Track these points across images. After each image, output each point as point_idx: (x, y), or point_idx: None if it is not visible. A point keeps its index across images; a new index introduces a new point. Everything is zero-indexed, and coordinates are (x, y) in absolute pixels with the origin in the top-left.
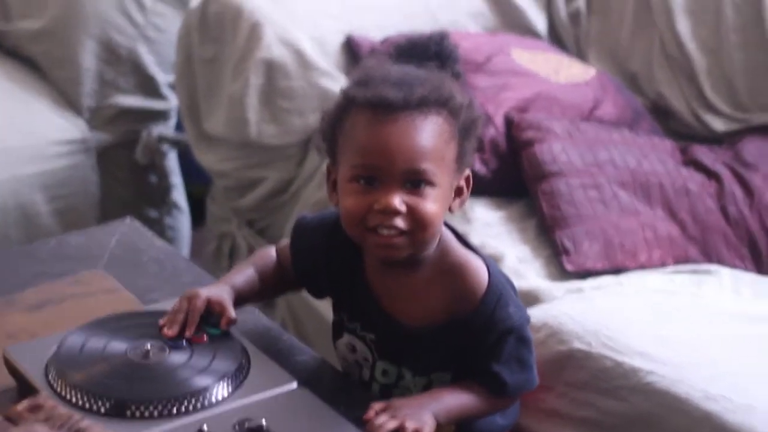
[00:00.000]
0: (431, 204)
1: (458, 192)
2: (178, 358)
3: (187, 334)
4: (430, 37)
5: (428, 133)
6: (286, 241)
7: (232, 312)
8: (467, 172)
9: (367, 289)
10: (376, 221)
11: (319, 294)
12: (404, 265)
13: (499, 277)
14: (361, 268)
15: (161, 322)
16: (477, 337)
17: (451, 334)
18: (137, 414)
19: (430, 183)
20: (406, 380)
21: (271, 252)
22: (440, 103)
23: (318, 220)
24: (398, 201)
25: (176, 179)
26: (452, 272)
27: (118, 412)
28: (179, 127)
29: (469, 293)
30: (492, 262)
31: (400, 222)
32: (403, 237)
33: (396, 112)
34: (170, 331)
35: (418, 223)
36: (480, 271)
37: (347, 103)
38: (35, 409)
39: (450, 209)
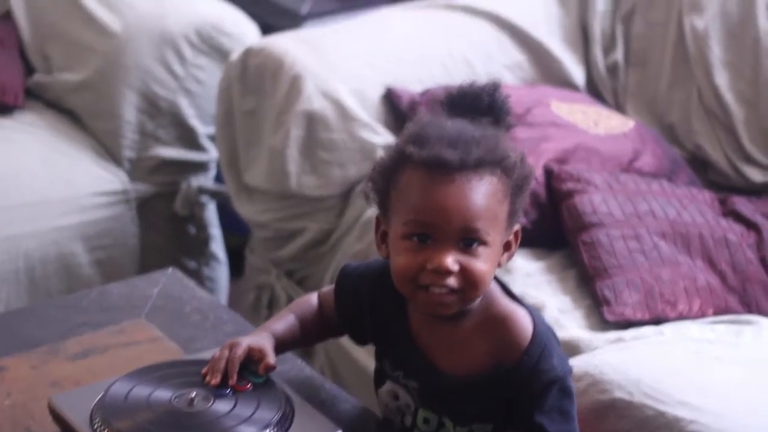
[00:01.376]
0: (483, 263)
1: (507, 246)
2: (222, 406)
3: (230, 382)
4: (482, 88)
5: (483, 193)
6: (327, 288)
7: (271, 359)
8: (516, 227)
9: (411, 337)
10: (428, 280)
11: (362, 341)
12: (449, 316)
13: (543, 327)
14: (405, 316)
15: (204, 371)
16: (520, 387)
17: (493, 384)
18: None
19: (483, 242)
20: (446, 429)
21: (312, 299)
22: (495, 163)
23: (364, 267)
24: (451, 261)
25: (215, 230)
26: (497, 323)
27: None
28: (218, 178)
29: (514, 344)
30: (536, 313)
31: (452, 281)
32: (454, 295)
33: (452, 173)
34: (213, 380)
35: (469, 282)
36: (525, 322)
37: (402, 159)
38: None
39: (498, 264)
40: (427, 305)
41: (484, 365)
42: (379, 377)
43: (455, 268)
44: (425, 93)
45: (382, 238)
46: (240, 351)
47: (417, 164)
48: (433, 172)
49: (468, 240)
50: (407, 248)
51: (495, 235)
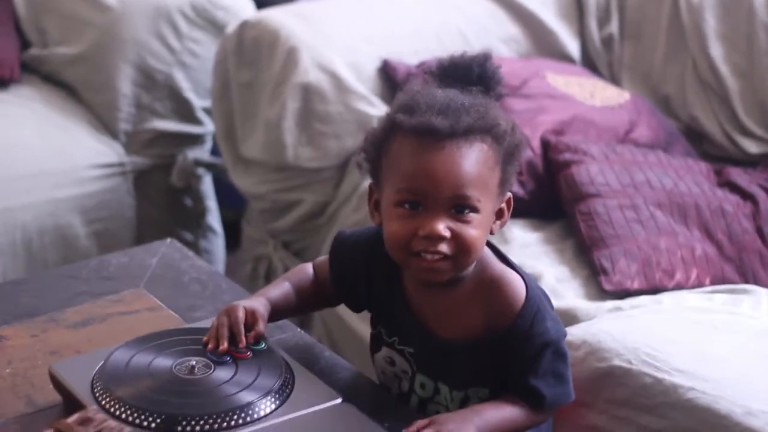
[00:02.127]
0: (474, 230)
1: (499, 214)
2: (223, 374)
3: (241, 345)
4: (473, 58)
5: (474, 160)
6: (323, 258)
7: (262, 326)
8: (508, 194)
9: (406, 303)
10: (421, 246)
11: (357, 308)
12: (443, 282)
13: (536, 291)
14: (400, 283)
15: (205, 338)
16: (514, 350)
17: (488, 348)
18: (186, 429)
19: (474, 209)
20: (443, 394)
21: (308, 268)
22: (485, 131)
23: (357, 235)
24: (443, 227)
25: (211, 203)
26: (491, 287)
27: (167, 427)
28: (214, 151)
29: (507, 307)
30: (530, 277)
31: (444, 247)
32: (446, 261)
33: (443, 140)
34: (221, 346)
35: (461, 248)
36: (518, 286)
37: (393, 128)
38: (85, 422)
39: (491, 231)
40: (420, 272)
41: (478, 329)
42: (375, 343)
43: (446, 234)
44: (421, 65)
45: (375, 206)
46: (240, 313)
47: (407, 132)
48: (423, 140)
49: (459, 207)
50: (399, 215)
51: (486, 201)
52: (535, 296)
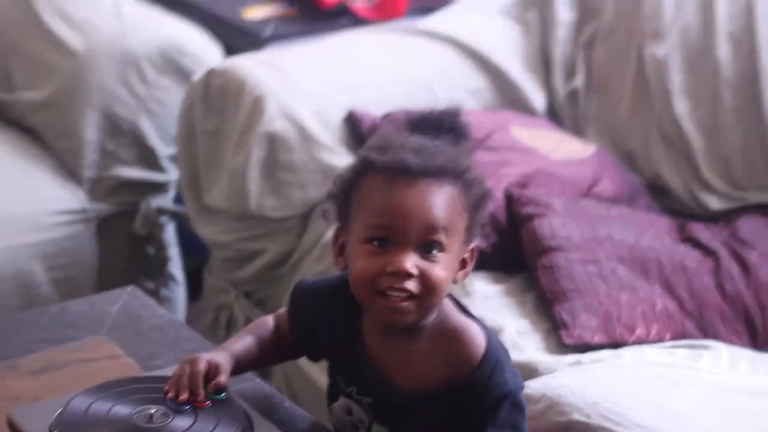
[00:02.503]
0: (441, 270)
1: (462, 264)
2: (182, 422)
3: (198, 398)
4: (443, 111)
5: (444, 200)
6: (283, 310)
7: (224, 377)
8: (473, 245)
9: (365, 353)
10: (387, 284)
11: (315, 357)
12: (404, 331)
13: (495, 342)
14: (359, 331)
15: (165, 387)
16: (473, 401)
17: (447, 400)
18: None
19: (442, 248)
20: None
21: (269, 320)
22: (455, 175)
23: (319, 284)
24: (410, 264)
25: (173, 251)
26: (450, 337)
27: None
28: (178, 200)
29: (467, 358)
30: (489, 329)
31: (411, 285)
32: (411, 301)
33: (415, 177)
34: (181, 396)
35: (427, 287)
36: (478, 337)
37: (364, 167)
38: None
39: (454, 281)
40: (384, 312)
41: (438, 380)
42: (332, 393)
43: (414, 271)
44: (386, 116)
45: (340, 250)
46: (201, 365)
47: (379, 170)
48: (395, 177)
49: (428, 245)
50: (367, 252)
51: (453, 244)
52: (495, 348)
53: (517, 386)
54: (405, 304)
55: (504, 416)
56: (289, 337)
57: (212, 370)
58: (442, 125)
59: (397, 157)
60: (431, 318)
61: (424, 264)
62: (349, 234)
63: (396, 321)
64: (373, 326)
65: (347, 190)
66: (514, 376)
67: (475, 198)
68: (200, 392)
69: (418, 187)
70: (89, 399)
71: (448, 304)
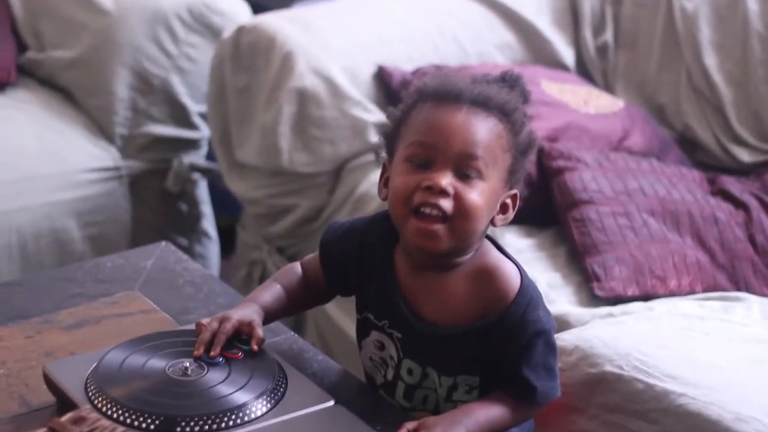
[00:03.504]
0: (477, 195)
1: (504, 208)
2: (216, 375)
3: (212, 354)
4: (506, 74)
5: (487, 129)
6: (311, 255)
7: (260, 332)
8: (515, 191)
9: (397, 287)
10: (422, 199)
11: (346, 292)
12: (437, 267)
13: (530, 282)
14: (392, 267)
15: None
16: (506, 338)
17: (480, 335)
18: (178, 430)
19: (480, 175)
20: (431, 380)
21: (296, 267)
22: (504, 113)
23: (350, 223)
24: (446, 181)
25: (206, 208)
26: (485, 273)
27: (160, 427)
28: (210, 156)
29: (501, 294)
30: (523, 269)
31: (445, 203)
32: (444, 225)
33: (462, 103)
34: (196, 351)
35: (461, 210)
36: (512, 274)
37: (417, 96)
38: (79, 421)
39: (493, 223)
40: (416, 236)
41: (470, 316)
42: (363, 328)
43: (450, 189)
44: (416, 72)
45: (385, 183)
46: (229, 326)
47: (428, 96)
48: (443, 101)
49: (467, 169)
50: (406, 169)
51: (493, 175)
52: (529, 286)
53: (550, 325)
54: (437, 226)
55: (538, 356)
56: (318, 283)
57: (246, 328)
58: (504, 81)
59: (448, 82)
60: (467, 258)
61: (460, 186)
62: (393, 164)
63: (426, 247)
64: (405, 261)
65: (398, 123)
66: (547, 314)
67: (522, 142)
68: (216, 350)
69: (463, 111)
70: (124, 353)
71: (486, 243)
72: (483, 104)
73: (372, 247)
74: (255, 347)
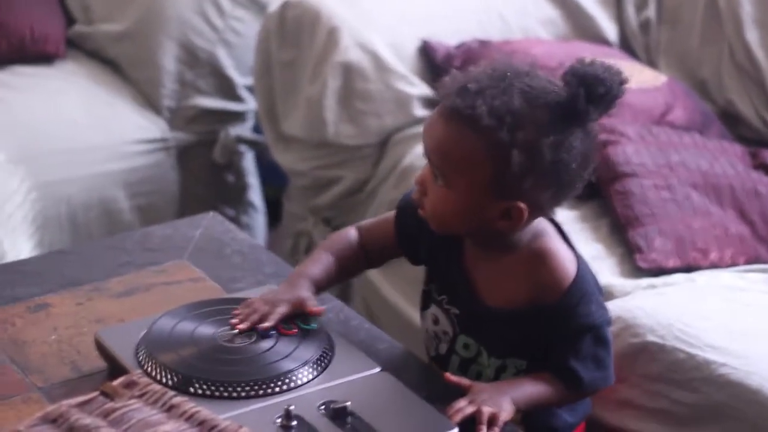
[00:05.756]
0: (436, 197)
1: (505, 215)
2: (264, 343)
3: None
4: (613, 75)
5: (456, 141)
6: (371, 221)
7: (317, 309)
8: (520, 204)
9: (461, 266)
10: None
11: (416, 261)
12: (496, 247)
13: (587, 275)
14: (460, 245)
15: (236, 311)
16: (556, 328)
17: (530, 320)
18: (225, 395)
19: (443, 179)
20: (483, 358)
21: (349, 233)
22: (492, 128)
23: None
24: (420, 177)
25: (253, 179)
26: (540, 260)
27: (208, 392)
28: (256, 129)
29: (554, 283)
30: (584, 261)
31: (416, 194)
32: (425, 212)
33: (444, 109)
34: (240, 325)
35: (426, 205)
36: (568, 264)
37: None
38: (131, 385)
39: (494, 227)
40: None
41: (521, 300)
42: (426, 300)
43: (418, 185)
44: (460, 46)
45: None
46: (277, 315)
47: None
48: (441, 108)
49: (435, 170)
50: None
51: (458, 183)
52: (585, 278)
53: (602, 320)
54: (421, 211)
55: (587, 349)
56: (382, 242)
57: (298, 308)
58: (599, 85)
59: (444, 93)
60: (524, 237)
61: (430, 185)
62: None
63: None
64: (469, 241)
65: None
66: (601, 309)
67: (525, 159)
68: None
69: (444, 117)
70: (174, 320)
71: (547, 228)
72: (465, 118)
73: None
74: (316, 315)
